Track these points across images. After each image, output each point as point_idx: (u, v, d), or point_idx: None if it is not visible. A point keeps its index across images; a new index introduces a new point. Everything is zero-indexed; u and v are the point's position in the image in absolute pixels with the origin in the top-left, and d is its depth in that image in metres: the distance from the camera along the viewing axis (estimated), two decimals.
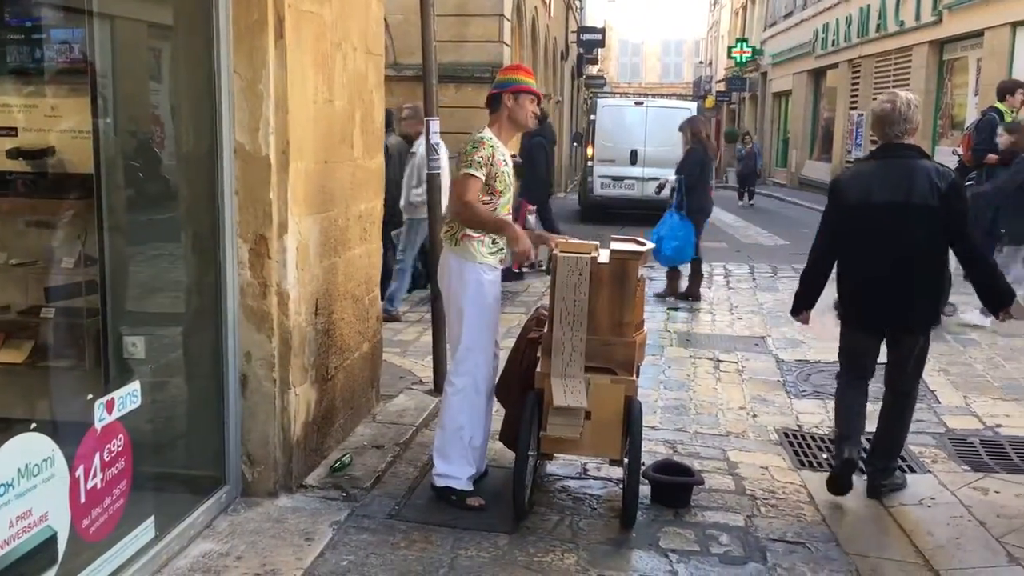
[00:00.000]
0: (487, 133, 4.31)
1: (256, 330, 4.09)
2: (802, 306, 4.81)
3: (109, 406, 3.16)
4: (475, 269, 4.25)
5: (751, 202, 24.16)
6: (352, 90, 4.90)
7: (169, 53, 4.29)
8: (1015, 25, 15.53)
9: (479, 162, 4.18)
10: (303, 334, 4.30)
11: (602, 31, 34.99)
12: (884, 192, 4.38)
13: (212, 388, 4.10)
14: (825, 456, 5.23)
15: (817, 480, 4.86)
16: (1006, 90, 10.36)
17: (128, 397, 3.27)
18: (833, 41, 26.12)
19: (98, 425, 3.10)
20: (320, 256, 4.50)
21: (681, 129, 9.85)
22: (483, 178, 4.20)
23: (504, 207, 4.32)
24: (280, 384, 4.15)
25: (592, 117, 18.97)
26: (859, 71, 24.09)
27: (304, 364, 4.33)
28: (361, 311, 5.21)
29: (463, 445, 4.30)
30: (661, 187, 10.05)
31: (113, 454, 3.19)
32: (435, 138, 5.85)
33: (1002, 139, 8.40)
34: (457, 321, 4.32)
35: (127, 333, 3.85)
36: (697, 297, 9.82)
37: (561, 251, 4.24)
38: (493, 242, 4.29)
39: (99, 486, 3.11)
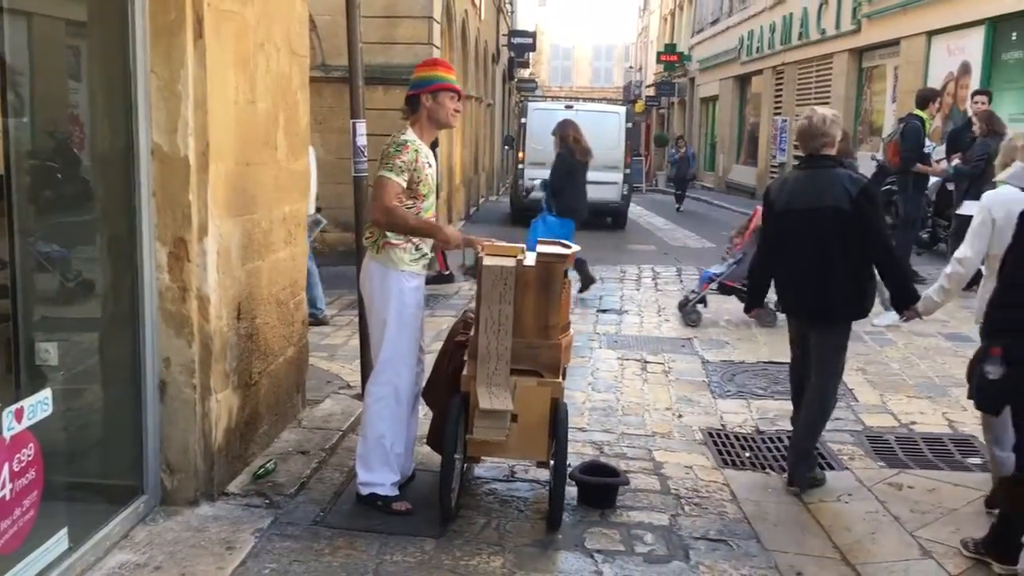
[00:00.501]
0: (410, 135, 4.23)
1: (175, 335, 4.01)
2: (751, 304, 5.38)
3: (18, 415, 3.05)
4: (398, 277, 4.20)
5: (679, 206, 23.62)
6: (276, 91, 4.83)
7: (84, 51, 4.17)
8: (930, 34, 16.05)
9: (400, 166, 4.10)
10: (225, 339, 4.23)
11: (533, 35, 35.15)
12: (803, 198, 4.76)
13: (130, 395, 4.00)
14: (748, 455, 5.33)
15: (740, 478, 4.96)
16: (928, 98, 10.78)
17: (39, 405, 3.17)
18: (758, 48, 26.66)
19: (6, 434, 3.00)
20: (242, 259, 4.43)
21: (553, 134, 10.18)
22: (403, 183, 4.11)
23: (428, 211, 4.27)
24: (201, 390, 4.07)
25: (523, 120, 19.03)
26: (783, 78, 24.63)
27: (226, 369, 4.26)
28: (286, 315, 5.14)
29: (385, 453, 4.26)
30: (530, 190, 10.30)
31: (23, 464, 3.08)
32: (361, 140, 5.80)
33: None
34: (379, 330, 4.25)
35: (40, 339, 3.73)
36: (592, 280, 10.20)
37: (487, 255, 4.23)
38: (416, 249, 4.24)
39: (8, 497, 3.00)
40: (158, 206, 3.94)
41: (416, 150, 4.17)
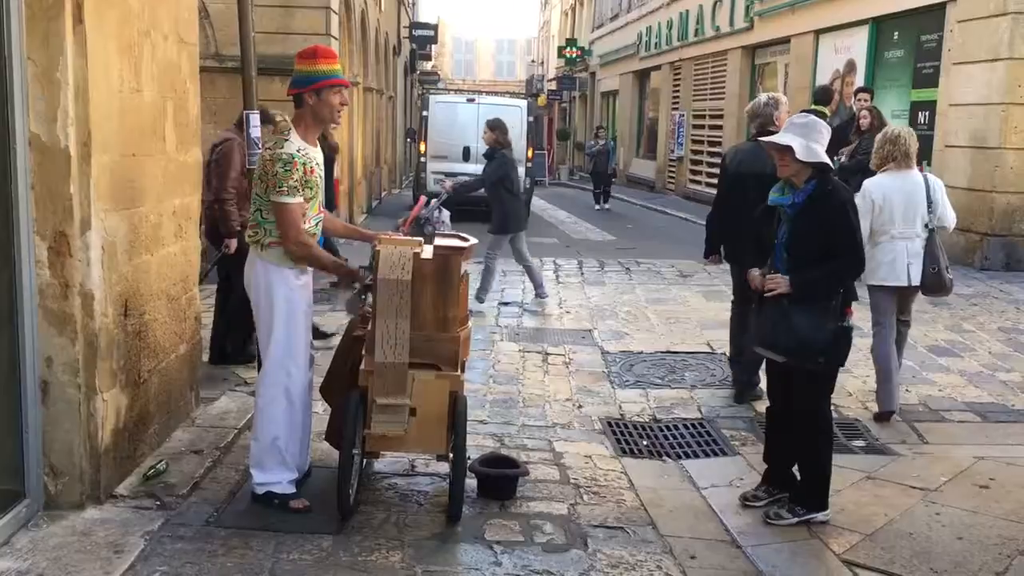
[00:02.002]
0: (293, 143, 4.03)
1: (57, 333, 3.85)
2: (708, 251, 6.41)
3: None
4: (285, 275, 4.11)
5: (606, 206, 21.77)
6: (163, 81, 4.68)
7: None
8: (818, 33, 16.62)
9: (294, 186, 3.97)
10: (111, 336, 4.08)
11: (435, 27, 35.01)
12: (750, 165, 5.84)
13: (9, 396, 3.82)
14: (646, 443, 5.44)
15: (638, 466, 5.05)
16: (827, 97, 11.28)
17: None
18: (656, 44, 27.14)
19: None
20: (129, 254, 4.29)
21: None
22: (302, 200, 4.01)
23: (314, 208, 4.17)
24: (86, 390, 3.92)
25: (425, 113, 18.95)
26: (680, 73, 25.13)
27: (113, 368, 4.11)
28: (177, 311, 4.99)
29: (280, 453, 4.19)
30: None
31: None
32: (255, 132, 5.68)
33: (485, 136, 9.28)
34: (267, 329, 4.16)
35: None
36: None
37: (383, 247, 4.18)
38: None
39: None
40: (37, 199, 3.77)
41: (303, 163, 4.01)
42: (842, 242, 4.16)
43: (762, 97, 6.13)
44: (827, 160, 4.22)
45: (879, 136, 5.93)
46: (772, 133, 5.55)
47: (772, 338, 4.27)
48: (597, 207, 21.87)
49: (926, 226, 5.65)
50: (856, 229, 4.23)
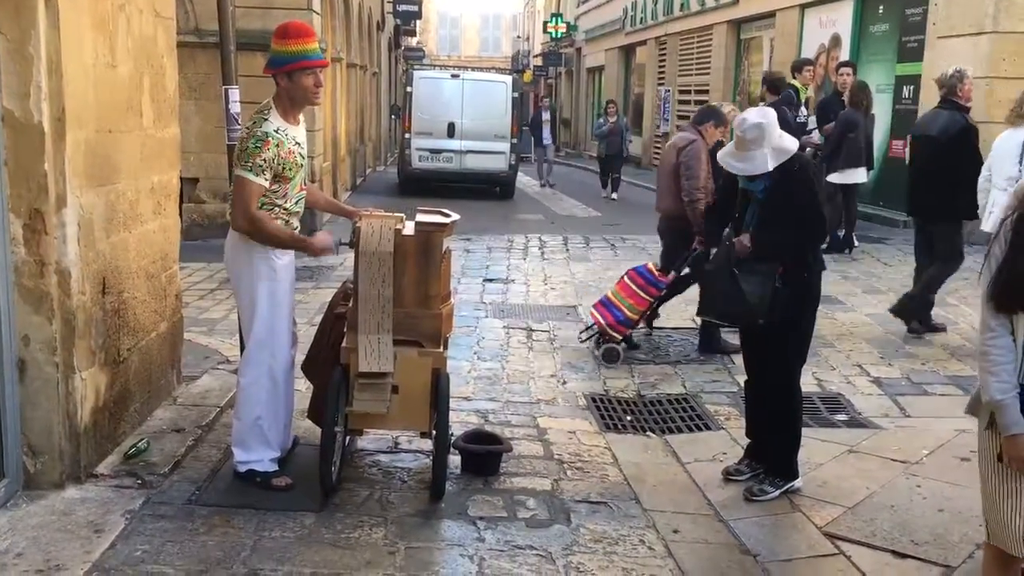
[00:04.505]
0: (272, 123, 3.94)
1: (34, 312, 3.81)
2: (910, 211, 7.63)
3: None
4: (265, 254, 4.03)
5: (614, 195, 18.46)
6: (139, 55, 4.61)
7: None
8: (803, 7, 16.55)
9: (261, 165, 3.86)
10: (89, 315, 4.04)
11: (419, 3, 34.63)
12: (923, 127, 7.21)
13: None
14: (630, 419, 5.44)
15: (622, 442, 5.06)
16: (795, 68, 11.19)
17: None
18: (641, 19, 26.96)
19: None
20: (107, 231, 4.24)
21: None
22: (265, 183, 3.90)
23: (296, 187, 4.12)
24: (64, 368, 3.89)
25: (409, 89, 18.79)
26: (666, 48, 25.00)
27: (91, 346, 4.07)
28: (157, 289, 4.95)
29: (262, 433, 4.16)
30: None
31: None
32: (235, 107, 5.61)
33: None
34: (248, 310, 4.11)
35: None
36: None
37: (364, 222, 4.14)
38: (286, 223, 4.09)
39: None
40: (11, 176, 3.72)
41: (277, 144, 3.91)
42: (805, 214, 4.20)
43: (949, 69, 6.94)
44: (791, 146, 4.20)
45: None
46: (954, 103, 6.80)
47: (718, 305, 4.39)
48: (604, 194, 18.67)
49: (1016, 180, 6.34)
50: (817, 200, 4.30)
